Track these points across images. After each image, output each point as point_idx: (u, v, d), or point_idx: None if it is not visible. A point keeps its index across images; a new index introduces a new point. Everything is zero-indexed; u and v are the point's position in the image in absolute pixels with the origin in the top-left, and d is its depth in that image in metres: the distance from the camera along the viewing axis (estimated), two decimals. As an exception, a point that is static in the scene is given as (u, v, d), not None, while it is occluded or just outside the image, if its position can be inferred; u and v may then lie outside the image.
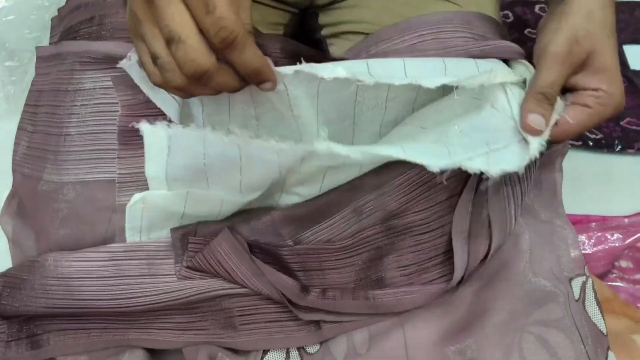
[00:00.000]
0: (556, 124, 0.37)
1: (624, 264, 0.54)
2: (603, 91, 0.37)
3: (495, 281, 0.41)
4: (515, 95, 0.38)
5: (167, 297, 0.40)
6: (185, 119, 0.41)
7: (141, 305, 0.40)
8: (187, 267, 0.40)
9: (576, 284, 0.41)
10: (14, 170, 0.45)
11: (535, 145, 0.35)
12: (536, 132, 0.35)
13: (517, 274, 0.41)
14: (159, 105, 0.40)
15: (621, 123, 0.63)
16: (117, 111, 0.42)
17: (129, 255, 0.40)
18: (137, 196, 0.39)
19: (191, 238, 0.40)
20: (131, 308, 0.40)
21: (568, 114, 0.37)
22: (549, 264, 0.41)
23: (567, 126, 0.37)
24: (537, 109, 0.36)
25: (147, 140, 0.37)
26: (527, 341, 0.38)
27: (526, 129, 0.35)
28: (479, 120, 0.37)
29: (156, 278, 0.40)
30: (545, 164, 0.46)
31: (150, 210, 0.39)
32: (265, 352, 0.40)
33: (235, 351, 0.41)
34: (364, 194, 0.40)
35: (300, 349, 0.41)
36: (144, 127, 0.36)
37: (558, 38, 0.37)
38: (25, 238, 0.46)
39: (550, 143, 0.36)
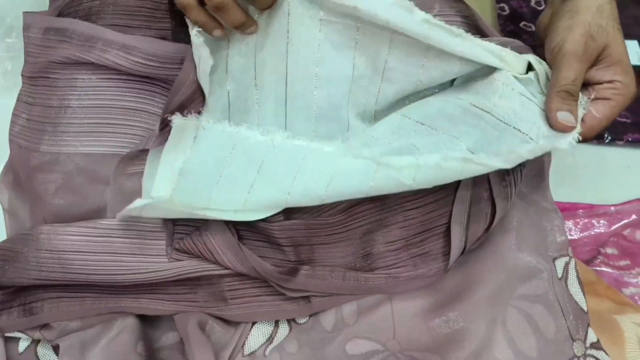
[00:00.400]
0: (583, 120, 0.38)
1: (609, 250, 0.55)
2: (619, 82, 0.38)
3: (481, 257, 0.42)
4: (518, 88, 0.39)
5: (157, 275, 0.40)
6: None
7: (131, 281, 0.40)
8: (176, 249, 0.40)
9: (560, 263, 0.42)
10: (10, 142, 0.46)
11: (570, 140, 0.36)
12: (568, 129, 0.36)
13: (503, 251, 0.42)
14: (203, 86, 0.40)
15: (611, 115, 0.65)
16: (118, 86, 0.43)
17: (121, 233, 0.41)
18: (139, 202, 0.37)
19: (178, 220, 0.41)
20: (121, 283, 0.41)
21: (593, 109, 0.38)
22: (534, 243, 0.42)
23: (594, 121, 0.38)
24: (564, 106, 0.37)
25: (174, 131, 0.38)
26: (511, 315, 0.39)
27: (557, 127, 0.37)
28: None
29: (147, 257, 0.41)
30: None
31: (150, 212, 0.39)
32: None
33: (225, 320, 0.41)
34: None
35: (290, 319, 0.42)
36: (176, 120, 0.38)
37: (574, 36, 0.38)
38: (20, 208, 0.46)
39: (580, 141, 0.37)
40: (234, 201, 0.39)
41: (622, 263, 0.54)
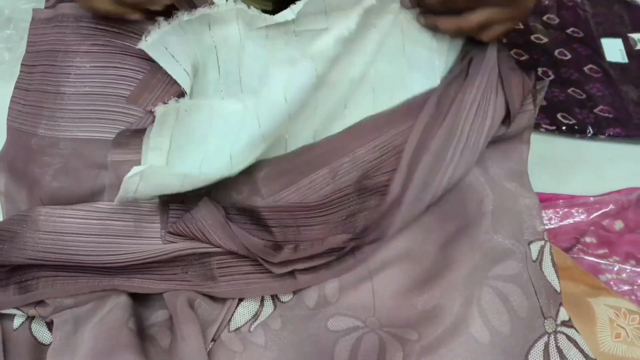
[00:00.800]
0: None
1: (588, 239, 0.56)
2: None
3: (458, 239, 0.44)
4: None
5: (151, 256, 0.42)
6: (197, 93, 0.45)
7: (126, 262, 0.42)
8: (169, 232, 0.42)
9: (535, 247, 0.44)
10: (8, 127, 0.47)
11: None
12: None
13: (479, 232, 0.43)
14: (174, 77, 0.43)
15: (595, 110, 0.66)
16: (112, 74, 0.45)
17: (117, 216, 0.43)
18: (137, 169, 0.39)
19: (172, 205, 0.43)
20: (116, 264, 0.42)
21: None
22: (510, 226, 0.44)
23: None
24: None
25: (158, 116, 0.41)
26: (486, 293, 0.40)
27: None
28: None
29: (142, 240, 0.43)
30: (514, 136, 0.49)
31: (146, 185, 0.41)
32: (240, 299, 0.43)
33: (212, 298, 0.43)
34: (340, 155, 0.42)
35: (274, 297, 0.43)
36: (158, 109, 0.42)
37: None
38: (16, 192, 0.48)
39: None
40: (222, 157, 0.42)
41: (601, 252, 0.55)
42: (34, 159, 0.44)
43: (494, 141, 0.47)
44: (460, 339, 0.38)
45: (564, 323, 0.41)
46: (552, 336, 0.40)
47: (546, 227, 0.53)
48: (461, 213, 0.45)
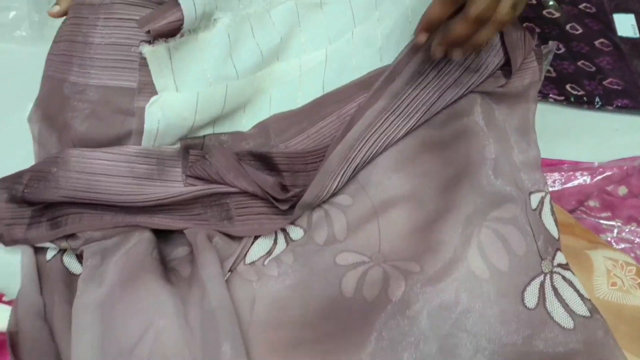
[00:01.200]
0: None
1: (591, 203, 0.58)
2: None
3: (460, 182, 0.46)
4: None
5: (173, 196, 0.46)
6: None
7: (149, 202, 0.46)
8: (188, 175, 0.45)
9: (535, 197, 0.46)
10: (43, 76, 0.51)
11: None
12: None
13: (480, 177, 0.46)
14: (183, 9, 0.45)
15: (604, 82, 0.68)
16: (136, 26, 0.47)
17: (142, 160, 0.46)
18: (154, 97, 0.44)
19: (191, 151, 0.46)
20: (140, 204, 0.46)
21: None
22: (511, 175, 0.46)
23: None
24: None
25: (149, 59, 0.45)
26: (486, 234, 0.43)
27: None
28: None
29: (165, 182, 0.46)
30: (520, 93, 0.51)
31: (166, 115, 0.45)
32: (255, 238, 0.46)
33: (229, 236, 0.46)
34: (346, 103, 0.45)
35: (287, 236, 0.46)
36: (144, 49, 0.44)
37: None
38: (48, 138, 0.51)
39: None
40: (227, 70, 0.47)
41: (603, 215, 0.57)
42: (66, 104, 0.48)
43: (501, 97, 0.50)
44: (460, 274, 0.41)
45: (560, 265, 0.43)
46: (549, 276, 0.42)
47: (550, 189, 0.55)
48: (463, 159, 0.47)
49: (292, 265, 0.43)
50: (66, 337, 0.40)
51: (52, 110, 0.49)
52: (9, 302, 0.45)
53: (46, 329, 0.41)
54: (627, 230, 0.54)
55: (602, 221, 0.56)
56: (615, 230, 0.55)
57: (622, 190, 0.59)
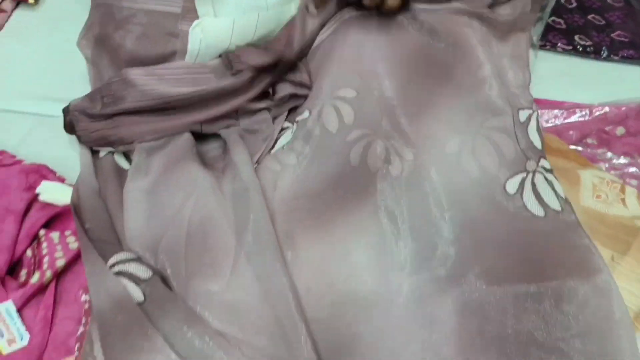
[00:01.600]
0: None
1: (590, 140, 0.62)
2: None
3: (459, 86, 0.53)
4: None
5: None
6: None
7: (196, 99, 0.52)
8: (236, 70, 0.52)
9: (523, 113, 0.52)
10: (92, 4, 0.58)
11: None
12: None
13: (476, 84, 0.52)
14: None
15: (611, 35, 0.71)
16: None
17: (195, 70, 0.53)
18: (197, 21, 0.51)
19: (230, 54, 0.53)
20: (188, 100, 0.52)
21: None
22: (505, 90, 0.52)
23: None
24: None
25: None
26: (479, 139, 0.49)
27: None
28: None
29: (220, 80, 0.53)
30: (512, 23, 0.57)
31: (206, 37, 0.52)
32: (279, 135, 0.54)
33: (256, 135, 0.54)
34: None
35: (303, 128, 0.54)
36: None
37: None
38: (100, 60, 0.59)
39: None
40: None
41: (600, 150, 0.61)
42: (118, 26, 0.55)
43: (494, 25, 0.56)
44: (450, 169, 0.47)
45: (544, 168, 0.48)
46: (530, 174, 0.47)
47: (551, 124, 0.60)
48: (460, 74, 0.53)
49: (308, 152, 0.51)
50: (119, 213, 0.47)
51: (103, 33, 0.56)
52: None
53: (101, 204, 0.49)
54: (620, 161, 0.58)
55: (598, 152, 0.60)
56: (609, 162, 0.59)
57: (620, 130, 0.63)
